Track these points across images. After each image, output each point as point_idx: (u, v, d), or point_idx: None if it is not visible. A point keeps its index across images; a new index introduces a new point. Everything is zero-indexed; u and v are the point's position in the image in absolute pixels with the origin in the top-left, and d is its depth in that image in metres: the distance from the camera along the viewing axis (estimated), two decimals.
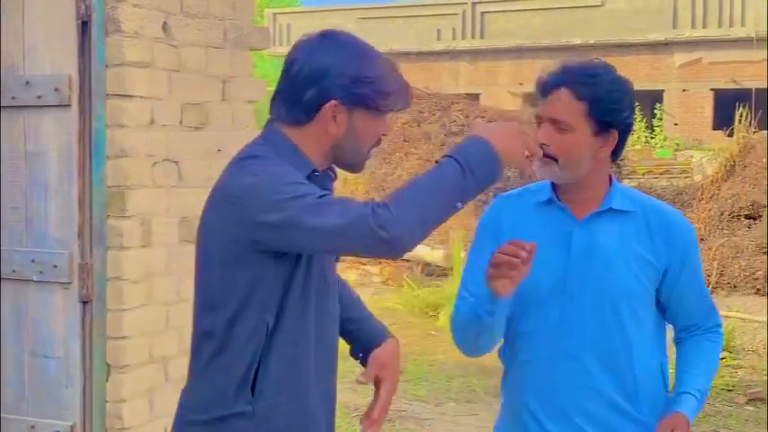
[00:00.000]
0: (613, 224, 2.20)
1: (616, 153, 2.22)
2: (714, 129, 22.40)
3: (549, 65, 2.25)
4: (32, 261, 3.29)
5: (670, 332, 2.35)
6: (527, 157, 1.89)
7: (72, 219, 3.26)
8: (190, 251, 3.55)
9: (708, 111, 24.33)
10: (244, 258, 1.87)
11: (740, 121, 12.90)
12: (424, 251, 10.45)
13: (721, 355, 7.62)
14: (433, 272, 10.29)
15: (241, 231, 1.85)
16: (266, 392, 1.92)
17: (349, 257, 10.72)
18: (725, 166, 12.33)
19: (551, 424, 2.21)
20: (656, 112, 23.20)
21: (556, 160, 2.14)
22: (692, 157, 18.31)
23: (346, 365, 2.23)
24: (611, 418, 2.21)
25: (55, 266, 3.27)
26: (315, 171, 1.93)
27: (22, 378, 3.36)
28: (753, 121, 13.07)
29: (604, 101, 2.14)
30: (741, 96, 18.21)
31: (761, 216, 11.21)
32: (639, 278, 2.18)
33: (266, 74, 32.89)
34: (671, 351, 2.28)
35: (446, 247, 10.32)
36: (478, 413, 6.13)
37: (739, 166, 12.14)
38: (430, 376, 7.05)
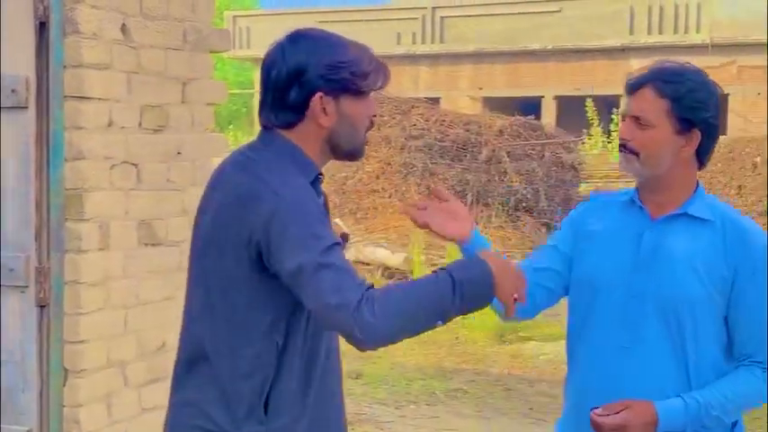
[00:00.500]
0: (687, 230, 2.20)
1: (702, 156, 2.22)
2: None
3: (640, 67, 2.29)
4: None
5: None
6: (514, 299, 1.90)
7: (29, 222, 3.22)
8: (149, 254, 3.56)
9: None
10: (250, 276, 1.87)
11: None
12: (385, 254, 10.47)
13: None
14: (393, 275, 10.31)
15: (251, 249, 1.85)
16: (280, 411, 1.91)
17: None
18: None
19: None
20: (613, 117, 23.46)
21: (637, 155, 2.18)
22: None
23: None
24: None
25: (11, 270, 3.23)
26: (319, 174, 1.96)
27: None
28: None
29: (687, 99, 2.16)
30: None
31: None
32: (706, 286, 2.16)
33: (226, 76, 32.80)
34: None
35: (407, 250, 10.35)
36: (439, 415, 6.15)
37: None
38: (390, 379, 7.06)
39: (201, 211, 1.98)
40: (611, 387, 2.21)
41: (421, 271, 9.67)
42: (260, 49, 2.35)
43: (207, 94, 3.73)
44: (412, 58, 26.90)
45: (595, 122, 22.19)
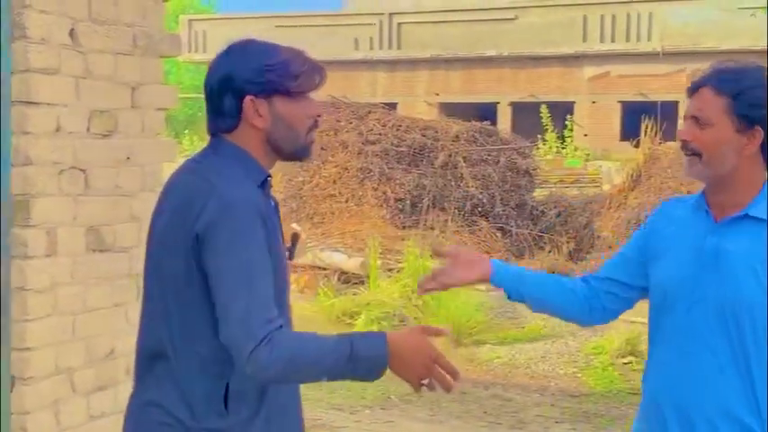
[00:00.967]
0: (748, 231, 2.15)
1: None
2: (622, 140, 23.01)
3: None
4: None
5: None
6: (421, 384, 1.96)
7: None
8: (97, 260, 3.53)
9: (616, 122, 25.01)
10: (199, 274, 1.92)
11: (646, 132, 13.29)
12: (341, 259, 10.47)
13: (627, 360, 7.78)
14: (349, 280, 10.31)
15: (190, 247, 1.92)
16: (239, 406, 1.96)
17: None
18: (631, 176, 12.70)
19: (675, 425, 2.21)
20: (567, 123, 23.72)
21: (699, 156, 2.15)
22: (601, 167, 18.76)
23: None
24: (732, 427, 2.15)
25: None
26: (268, 176, 2.03)
27: None
28: (658, 133, 13.48)
29: (746, 96, 2.12)
30: (647, 109, 18.75)
31: None
32: (765, 289, 2.10)
33: (182, 80, 32.52)
34: None
35: (363, 255, 10.36)
36: (393, 420, 6.16)
37: (645, 176, 12.52)
38: (345, 384, 7.05)
39: (155, 216, 2.05)
40: (678, 393, 2.20)
41: (377, 275, 9.69)
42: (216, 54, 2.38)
43: (157, 99, 3.71)
44: (369, 64, 26.96)
45: (550, 128, 22.42)
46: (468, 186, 12.45)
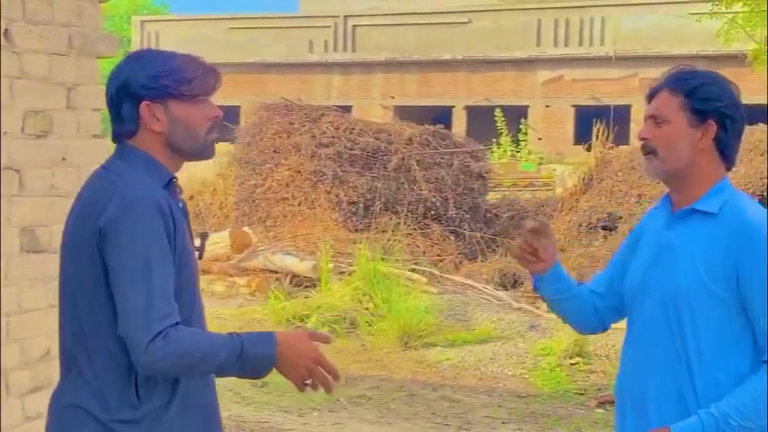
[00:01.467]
0: (695, 224, 2.25)
1: (725, 151, 2.26)
2: (575, 143, 23.25)
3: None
4: None
5: None
6: (305, 384, 2.07)
7: None
8: (31, 261, 3.49)
9: (569, 126, 25.28)
10: (104, 271, 2.01)
11: (598, 136, 13.44)
12: (293, 262, 10.45)
13: (575, 360, 7.90)
14: (301, 283, 10.29)
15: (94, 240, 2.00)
16: (151, 396, 2.03)
17: (215, 269, 10.61)
18: (583, 179, 12.83)
19: (630, 410, 2.32)
20: (521, 126, 23.92)
21: (655, 153, 2.26)
22: (554, 170, 18.92)
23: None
24: (676, 407, 2.23)
25: None
26: (173, 178, 2.11)
27: None
28: (610, 137, 13.64)
29: (698, 92, 2.23)
30: (600, 112, 18.98)
31: (616, 227, 11.71)
32: (703, 280, 2.19)
33: None
34: None
35: (315, 257, 10.35)
36: (342, 422, 6.17)
37: (596, 179, 12.65)
38: (294, 387, 7.04)
39: (66, 221, 2.14)
40: (633, 380, 2.31)
41: (328, 278, 9.69)
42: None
43: (93, 100, 3.69)
44: (324, 66, 26.95)
45: (504, 132, 22.59)
46: (421, 189, 12.50)
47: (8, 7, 3.31)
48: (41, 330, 3.47)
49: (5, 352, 3.36)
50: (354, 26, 26.85)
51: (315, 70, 26.93)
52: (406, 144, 12.97)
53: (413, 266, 10.42)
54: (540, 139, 24.79)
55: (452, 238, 12.22)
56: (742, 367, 2.19)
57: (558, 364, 7.53)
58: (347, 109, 22.62)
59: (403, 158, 12.74)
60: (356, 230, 11.75)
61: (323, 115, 13.39)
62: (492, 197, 14.16)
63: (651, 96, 2.31)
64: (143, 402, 2.03)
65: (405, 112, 24.25)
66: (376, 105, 26.11)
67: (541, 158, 22.23)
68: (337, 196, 12.23)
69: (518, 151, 22.72)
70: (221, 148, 12.52)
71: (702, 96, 2.23)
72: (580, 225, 12.01)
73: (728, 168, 2.30)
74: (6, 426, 3.32)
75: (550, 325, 8.53)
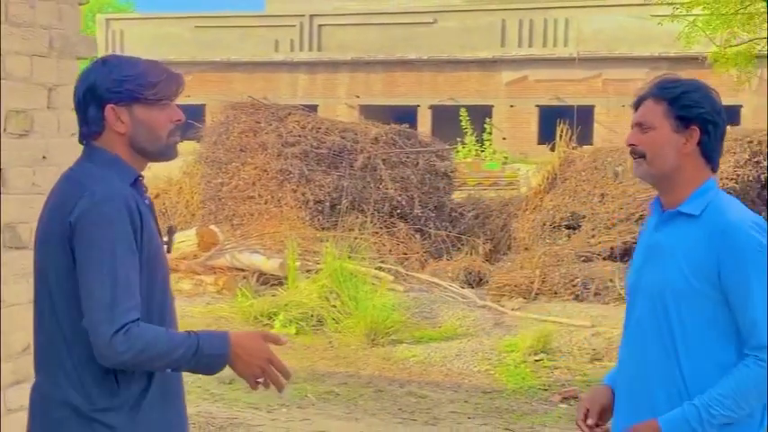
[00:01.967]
0: (680, 226, 2.37)
1: (709, 154, 2.39)
2: (539, 143, 23.47)
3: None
4: None
5: None
6: (257, 382, 2.17)
7: None
8: (13, 258, 3.54)
9: (533, 126, 25.51)
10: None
11: (561, 136, 13.61)
12: (260, 260, 10.49)
13: (539, 357, 8.03)
14: (268, 281, 10.33)
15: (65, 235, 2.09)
16: (129, 383, 2.12)
17: (182, 267, 10.62)
18: (547, 178, 12.98)
19: (624, 401, 2.45)
20: (486, 126, 24.09)
21: (644, 157, 2.38)
22: (518, 169, 19.09)
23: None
24: (665, 396, 2.36)
25: None
26: (139, 176, 2.20)
27: None
28: (573, 137, 13.81)
29: (681, 99, 2.36)
30: (564, 113, 19.19)
31: (580, 226, 11.89)
32: (687, 277, 2.31)
33: None
34: None
35: (282, 256, 10.40)
36: (310, 418, 6.23)
37: (560, 178, 12.80)
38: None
39: (39, 219, 2.21)
40: (627, 373, 2.45)
41: (295, 276, 9.74)
42: (134, 53, 2.47)
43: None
44: (290, 66, 26.93)
45: (469, 131, 22.75)
46: (386, 188, 12.59)
47: None
48: (22, 325, 3.51)
49: None
50: (320, 26, 26.87)
51: (280, 69, 26.90)
52: (372, 143, 13.05)
53: (379, 265, 10.50)
54: (504, 138, 24.98)
55: (418, 236, 12.33)
56: (728, 359, 2.31)
57: (522, 361, 7.64)
58: (313, 108, 22.66)
59: (369, 157, 12.83)
60: (323, 229, 11.81)
61: (289, 114, 13.42)
62: (457, 196, 14.28)
63: (637, 105, 2.44)
64: (122, 389, 2.11)
65: (370, 112, 24.33)
66: (341, 104, 26.16)
67: (506, 158, 22.42)
68: (304, 195, 12.28)
69: (483, 150, 22.90)
70: (187, 146, 12.50)
71: (685, 103, 2.36)
72: (544, 224, 12.15)
73: (713, 170, 2.43)
74: None
75: (515, 322, 8.68)
